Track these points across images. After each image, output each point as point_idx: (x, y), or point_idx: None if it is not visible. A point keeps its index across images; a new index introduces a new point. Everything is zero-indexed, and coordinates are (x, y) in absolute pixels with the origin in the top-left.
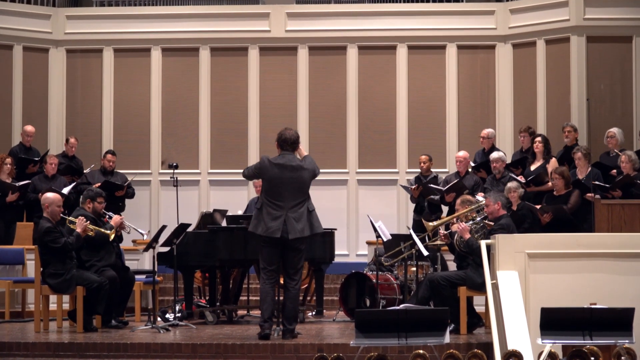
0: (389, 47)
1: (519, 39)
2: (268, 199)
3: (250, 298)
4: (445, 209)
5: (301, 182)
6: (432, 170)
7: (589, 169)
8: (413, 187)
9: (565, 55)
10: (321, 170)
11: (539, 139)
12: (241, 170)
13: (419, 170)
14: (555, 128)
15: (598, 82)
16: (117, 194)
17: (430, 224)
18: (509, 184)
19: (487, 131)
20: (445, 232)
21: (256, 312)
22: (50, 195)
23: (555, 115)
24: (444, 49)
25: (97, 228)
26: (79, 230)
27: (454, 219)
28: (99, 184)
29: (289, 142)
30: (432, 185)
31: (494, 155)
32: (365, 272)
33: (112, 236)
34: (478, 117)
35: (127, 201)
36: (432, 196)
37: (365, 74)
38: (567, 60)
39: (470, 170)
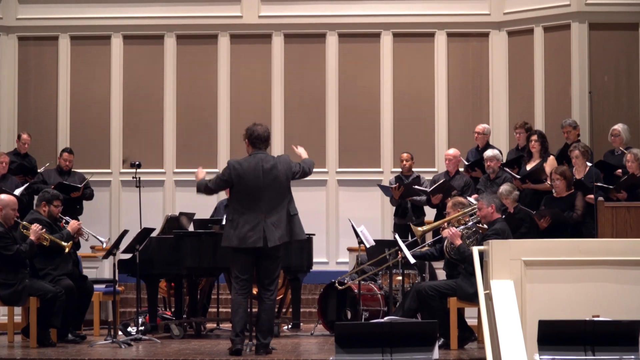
0: (372, 35)
1: (515, 25)
2: (243, 207)
3: (221, 310)
4: (430, 212)
5: (278, 184)
6: (417, 169)
7: (587, 168)
8: (393, 186)
9: (565, 43)
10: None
11: (534, 137)
12: (211, 170)
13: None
14: (554, 123)
15: (601, 73)
16: (72, 195)
17: (419, 228)
18: (502, 189)
19: (482, 126)
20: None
21: (227, 326)
22: (4, 197)
23: (554, 110)
24: (433, 36)
25: (52, 238)
26: (32, 238)
27: (445, 223)
28: (53, 186)
29: (262, 139)
30: (415, 186)
31: (488, 153)
32: (345, 281)
33: (68, 249)
34: (470, 112)
35: (85, 203)
36: (415, 197)
37: (346, 64)
38: (568, 49)
39: (462, 169)
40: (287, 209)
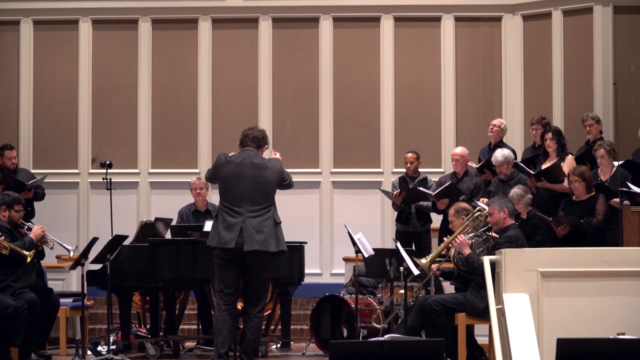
0: (371, 19)
1: (531, 9)
2: (224, 204)
3: (202, 327)
4: (437, 218)
5: (264, 183)
6: (422, 170)
7: (614, 168)
8: (395, 192)
9: (587, 29)
10: (287, 170)
11: (549, 135)
12: (190, 170)
13: (404, 170)
14: (574, 119)
15: (628, 62)
16: (22, 195)
17: (423, 260)
18: (513, 191)
19: (500, 120)
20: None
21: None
22: None
23: (574, 104)
24: (439, 21)
25: (12, 246)
26: None
27: (450, 244)
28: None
29: (250, 137)
30: (421, 188)
31: (498, 157)
32: (341, 295)
33: (30, 258)
34: (480, 106)
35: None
36: (422, 202)
37: (342, 52)
38: (590, 35)
39: (474, 171)
40: (273, 215)
